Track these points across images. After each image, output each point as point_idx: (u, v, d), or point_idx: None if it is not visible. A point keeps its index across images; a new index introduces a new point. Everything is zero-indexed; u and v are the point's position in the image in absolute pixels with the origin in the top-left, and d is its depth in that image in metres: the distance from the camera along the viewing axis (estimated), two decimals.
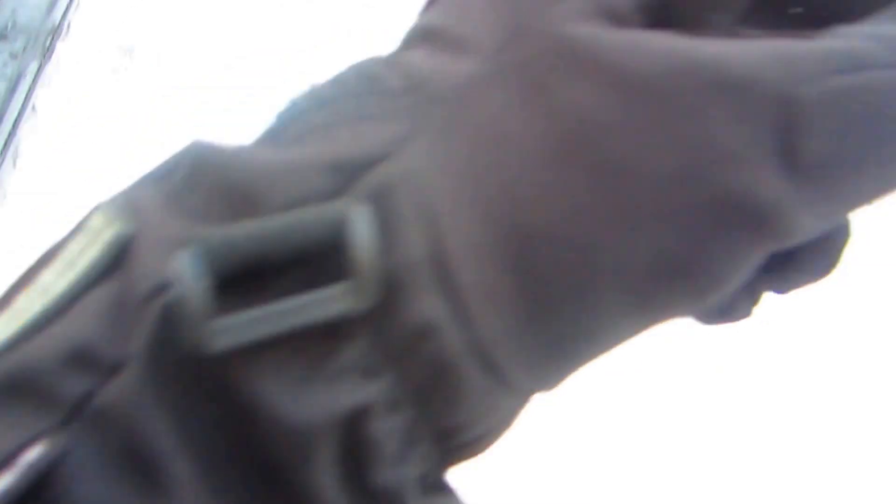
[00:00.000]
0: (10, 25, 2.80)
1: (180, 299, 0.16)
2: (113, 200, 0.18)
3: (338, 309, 0.16)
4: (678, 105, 0.17)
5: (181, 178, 0.18)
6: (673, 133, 0.17)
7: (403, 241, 0.16)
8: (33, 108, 3.59)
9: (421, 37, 0.20)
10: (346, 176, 0.17)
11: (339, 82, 0.19)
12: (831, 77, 0.17)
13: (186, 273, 0.15)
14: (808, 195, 0.17)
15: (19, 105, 2.96)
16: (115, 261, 0.17)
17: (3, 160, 2.73)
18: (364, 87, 0.19)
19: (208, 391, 0.16)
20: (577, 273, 0.17)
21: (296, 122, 0.19)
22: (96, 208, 0.18)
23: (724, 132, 0.17)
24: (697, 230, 0.17)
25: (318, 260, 0.16)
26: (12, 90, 2.90)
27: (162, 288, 0.16)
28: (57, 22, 3.49)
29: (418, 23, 0.21)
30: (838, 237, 0.22)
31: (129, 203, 0.18)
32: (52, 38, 3.45)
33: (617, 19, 0.18)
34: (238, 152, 0.18)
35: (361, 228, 0.16)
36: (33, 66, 3.12)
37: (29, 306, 0.17)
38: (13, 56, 2.88)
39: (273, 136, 0.19)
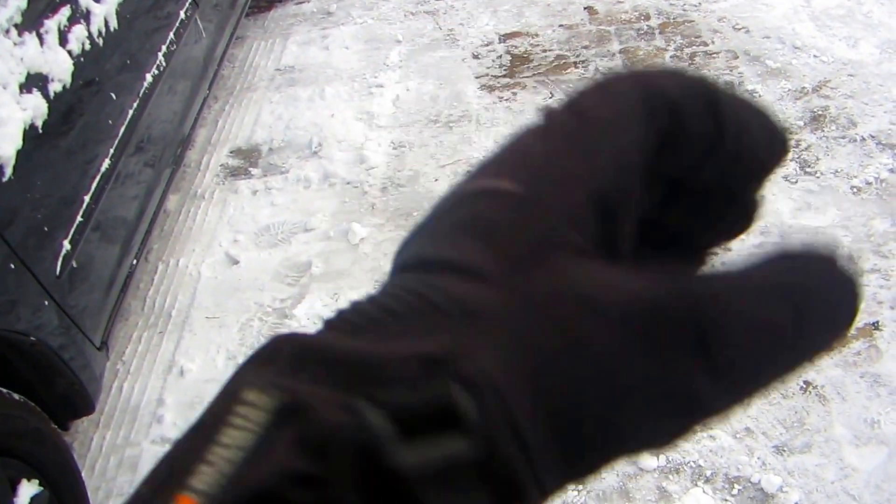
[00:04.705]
0: (146, 138, 2.90)
1: (375, 433, 0.25)
2: (256, 381, 0.26)
3: (467, 450, 0.25)
4: (649, 336, 0.28)
5: (289, 359, 0.27)
6: (649, 356, 0.28)
7: (489, 410, 0.26)
8: (165, 210, 3.68)
9: (437, 267, 0.30)
10: (431, 368, 0.26)
11: (393, 296, 0.29)
12: (724, 310, 0.29)
13: (376, 418, 0.25)
14: (722, 385, 0.28)
15: (153, 208, 3.06)
16: (284, 419, 0.25)
17: (138, 257, 2.83)
18: (426, 307, 0.28)
19: (396, 500, 0.25)
20: (594, 435, 0.28)
21: (360, 317, 0.29)
22: (243, 387, 0.26)
23: (672, 355, 0.28)
24: (663, 415, 0.28)
25: (438, 419, 0.25)
26: (148, 195, 3.00)
27: (346, 428, 0.25)
28: (186, 133, 3.59)
29: (423, 255, 0.31)
30: (753, 202, 0.36)
31: (271, 382, 0.26)
32: (182, 148, 3.55)
33: (586, 254, 0.30)
34: (331, 340, 0.28)
35: (467, 404, 0.25)
36: (166, 174, 3.22)
37: (229, 457, 0.25)
38: (148, 164, 2.98)
39: (343, 325, 0.29)
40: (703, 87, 0.35)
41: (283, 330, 2.93)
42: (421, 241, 0.32)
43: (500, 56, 4.31)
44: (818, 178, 3.24)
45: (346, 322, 0.29)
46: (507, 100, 3.97)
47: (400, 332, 0.28)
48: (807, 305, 0.30)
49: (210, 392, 2.34)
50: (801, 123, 3.51)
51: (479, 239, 0.30)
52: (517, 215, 0.30)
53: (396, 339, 0.27)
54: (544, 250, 0.29)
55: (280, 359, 0.28)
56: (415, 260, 0.31)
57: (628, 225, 0.32)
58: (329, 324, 0.30)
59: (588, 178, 0.31)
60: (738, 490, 2.27)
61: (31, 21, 2.43)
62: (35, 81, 2.37)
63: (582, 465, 0.28)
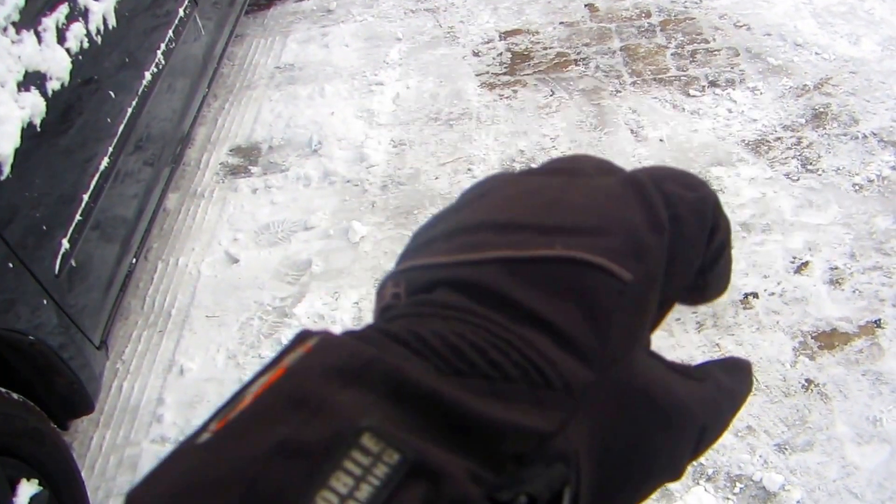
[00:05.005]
0: (145, 136, 2.88)
1: None
2: (372, 423, 0.26)
3: None
4: (676, 427, 0.35)
5: (388, 391, 0.28)
6: (671, 443, 0.35)
7: (572, 489, 0.30)
8: (164, 209, 3.66)
9: (537, 326, 0.32)
10: (538, 441, 0.29)
11: (493, 345, 0.30)
12: (715, 414, 0.38)
13: (518, 499, 0.27)
14: (693, 458, 0.37)
15: (153, 206, 3.04)
16: (408, 478, 0.25)
17: (138, 256, 2.80)
18: (538, 377, 0.30)
19: None
20: (620, 485, 0.34)
21: (460, 359, 0.30)
22: (361, 429, 0.26)
23: (683, 443, 0.36)
24: (660, 483, 0.36)
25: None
26: (148, 193, 2.98)
27: (476, 501, 0.26)
28: (186, 132, 3.57)
29: (509, 295, 0.32)
30: (729, 275, 0.43)
31: (391, 432, 0.26)
32: (181, 147, 3.53)
33: (649, 349, 0.36)
34: (432, 381, 0.28)
35: (567, 492, 0.29)
36: (165, 172, 3.20)
37: None
38: (147, 163, 2.96)
39: (436, 360, 0.30)
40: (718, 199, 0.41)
41: (287, 329, 2.93)
42: (506, 277, 0.33)
43: (501, 53, 4.30)
44: (820, 175, 3.22)
45: (440, 357, 0.30)
46: (507, 97, 3.96)
47: (514, 398, 0.29)
48: (736, 405, 0.40)
49: (210, 391, 2.31)
50: (803, 121, 3.50)
51: (589, 318, 0.32)
52: (625, 307, 0.33)
53: (512, 406, 0.29)
54: (631, 345, 0.33)
55: (374, 383, 0.28)
56: (498, 297, 0.32)
57: (669, 312, 0.40)
58: (410, 346, 0.30)
59: (667, 287, 0.36)
60: (740, 488, 2.26)
61: (29, 19, 2.42)
62: (33, 80, 2.35)
63: None
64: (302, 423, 0.26)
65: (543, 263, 0.33)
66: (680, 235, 0.36)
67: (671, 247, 0.36)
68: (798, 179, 3.22)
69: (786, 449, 2.34)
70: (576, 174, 0.39)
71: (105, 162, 2.64)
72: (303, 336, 0.30)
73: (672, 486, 2.28)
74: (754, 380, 0.45)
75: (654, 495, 2.33)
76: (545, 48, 4.27)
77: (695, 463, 2.38)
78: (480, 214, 0.36)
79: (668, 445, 0.35)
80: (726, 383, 0.39)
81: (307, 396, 0.27)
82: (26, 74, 2.33)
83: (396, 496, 0.25)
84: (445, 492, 0.25)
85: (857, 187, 3.14)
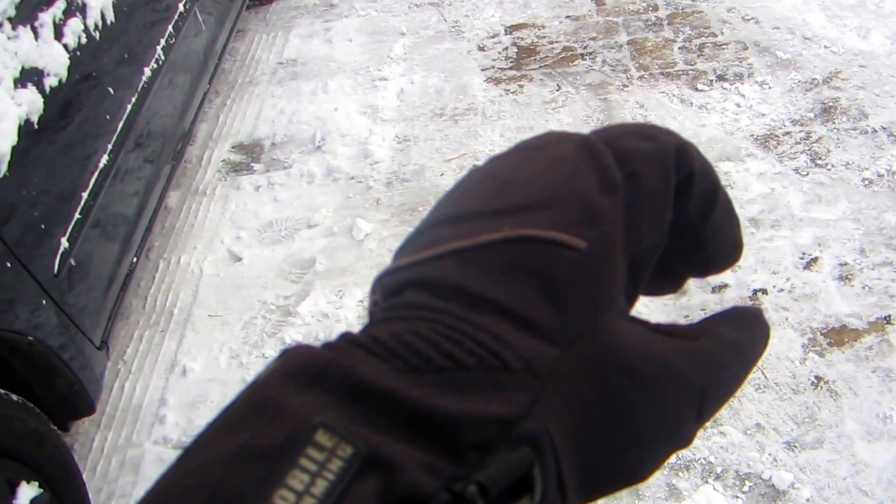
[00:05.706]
0: (145, 133, 2.85)
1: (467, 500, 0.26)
2: (325, 420, 0.26)
3: None
4: (661, 392, 0.33)
5: (346, 391, 0.28)
6: (660, 407, 0.33)
7: (547, 473, 0.29)
8: (165, 207, 3.64)
9: (492, 311, 0.31)
10: (506, 430, 0.29)
11: (448, 337, 0.30)
12: (715, 371, 0.36)
13: (469, 489, 0.27)
14: (700, 422, 0.35)
15: (154, 205, 3.02)
16: (362, 471, 0.26)
17: (139, 255, 2.79)
18: (494, 362, 0.30)
19: None
20: (614, 477, 0.33)
21: (415, 356, 0.30)
22: (315, 426, 0.26)
23: (678, 406, 0.34)
24: (664, 454, 0.35)
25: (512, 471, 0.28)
26: (148, 191, 2.96)
27: (434, 490, 0.26)
28: (187, 128, 3.55)
29: (467, 287, 0.32)
30: (736, 233, 0.42)
31: (343, 427, 0.26)
32: (182, 144, 3.51)
33: (625, 315, 0.34)
34: (390, 381, 0.29)
35: (537, 473, 0.29)
36: (166, 170, 3.18)
37: None
38: (148, 160, 2.93)
39: (394, 360, 0.30)
40: (690, 145, 0.39)
41: (291, 328, 2.91)
42: (459, 269, 0.33)
43: (507, 48, 4.27)
44: (829, 170, 3.19)
45: (397, 357, 0.30)
46: (513, 92, 3.92)
47: (470, 386, 0.29)
48: (748, 358, 0.38)
49: (214, 392, 2.29)
50: (812, 115, 3.46)
51: (545, 294, 0.32)
52: (581, 277, 0.33)
53: (468, 395, 0.29)
54: (599, 313, 0.33)
55: (331, 385, 0.28)
56: (454, 289, 0.32)
57: (648, 273, 0.38)
58: (369, 350, 0.30)
59: (633, 246, 0.35)
60: (749, 487, 2.24)
61: (25, 14, 2.40)
62: (30, 76, 2.33)
63: (593, 497, 0.32)
64: (260, 428, 0.27)
65: (494, 247, 0.33)
66: (638, 190, 0.36)
67: (631, 203, 0.35)
68: (807, 174, 3.18)
69: (795, 447, 2.31)
70: (535, 148, 0.38)
71: (104, 159, 2.61)
72: (280, 353, 0.31)
73: (680, 484, 2.26)
74: (769, 325, 0.41)
75: (662, 493, 2.30)
76: (551, 42, 4.23)
77: (703, 461, 2.36)
78: (443, 210, 0.37)
79: (660, 411, 0.34)
80: (729, 336, 0.37)
81: (267, 403, 0.28)
82: (23, 71, 2.31)
83: (351, 489, 0.25)
84: (398, 482, 0.26)
85: (866, 182, 3.10)
